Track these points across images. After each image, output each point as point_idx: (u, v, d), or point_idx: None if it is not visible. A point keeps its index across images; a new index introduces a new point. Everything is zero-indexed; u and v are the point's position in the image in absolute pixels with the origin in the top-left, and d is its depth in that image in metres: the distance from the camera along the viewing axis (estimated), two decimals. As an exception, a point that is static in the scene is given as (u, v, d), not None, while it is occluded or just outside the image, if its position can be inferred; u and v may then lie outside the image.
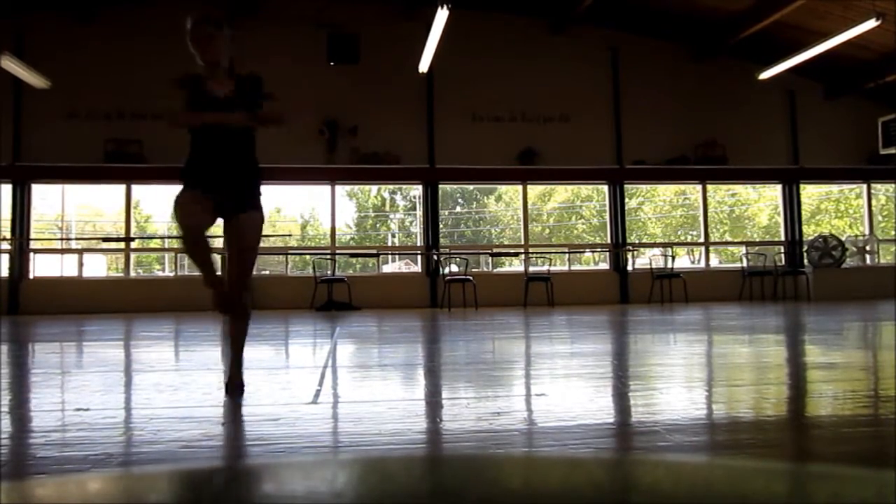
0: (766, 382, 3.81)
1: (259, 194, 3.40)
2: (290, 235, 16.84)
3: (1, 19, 11.64)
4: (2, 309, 11.12)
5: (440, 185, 13.31)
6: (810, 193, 19.85)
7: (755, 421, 2.86)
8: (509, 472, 0.45)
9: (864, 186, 14.62)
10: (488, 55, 12.89)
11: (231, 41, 3.45)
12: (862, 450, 2.25)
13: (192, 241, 3.21)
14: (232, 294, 3.38)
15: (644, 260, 13.76)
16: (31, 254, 12.33)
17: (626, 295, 12.94)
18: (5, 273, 11.95)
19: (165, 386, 3.80)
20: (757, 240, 18.59)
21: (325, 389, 3.61)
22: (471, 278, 11.86)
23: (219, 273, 3.44)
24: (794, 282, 13.30)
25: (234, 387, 3.38)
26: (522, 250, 13.57)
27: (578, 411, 3.01)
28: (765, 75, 12.83)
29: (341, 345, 6.23)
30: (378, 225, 24.94)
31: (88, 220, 21.26)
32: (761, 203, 21.41)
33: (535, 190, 17.74)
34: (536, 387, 3.94)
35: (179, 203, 3.16)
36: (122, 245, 13.03)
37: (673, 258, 13.38)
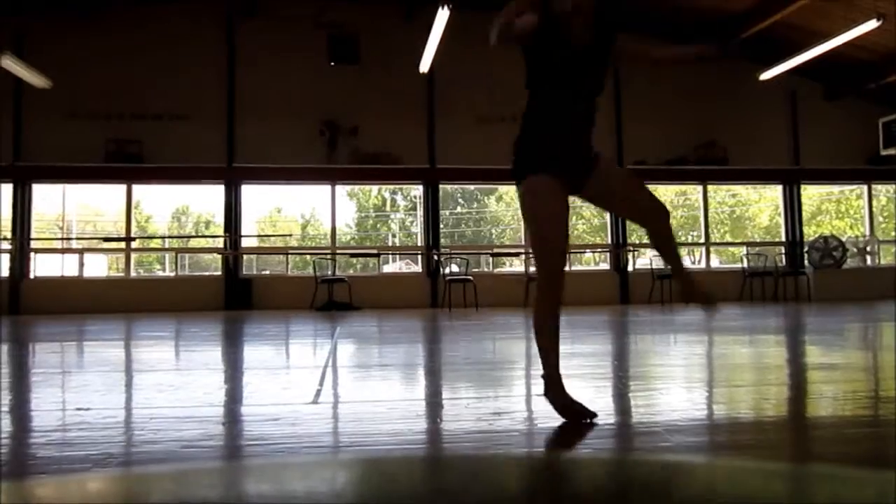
0: (767, 383, 3.81)
1: None
2: (290, 235, 16.86)
3: (1, 19, 11.64)
4: (2, 309, 11.12)
5: (441, 186, 13.31)
6: (811, 194, 19.85)
7: (755, 422, 2.86)
8: (509, 473, 0.45)
9: (865, 187, 14.62)
10: (489, 55, 12.81)
11: None
12: (862, 451, 2.25)
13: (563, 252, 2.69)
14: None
15: (644, 260, 13.75)
16: (32, 254, 12.33)
17: (627, 295, 12.94)
18: (6, 273, 11.95)
19: (166, 386, 3.80)
20: (757, 240, 18.59)
21: (326, 389, 3.61)
22: (471, 279, 11.86)
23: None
24: (794, 282, 13.30)
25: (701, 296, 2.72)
26: (523, 250, 13.57)
27: (579, 412, 3.00)
28: (765, 76, 12.83)
29: (342, 345, 6.23)
30: (378, 225, 24.95)
31: (89, 220, 21.27)
32: (762, 204, 21.41)
33: (535, 190, 17.71)
34: (537, 387, 3.94)
35: (547, 196, 2.59)
36: (122, 245, 13.04)
37: (673, 259, 13.36)
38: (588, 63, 2.68)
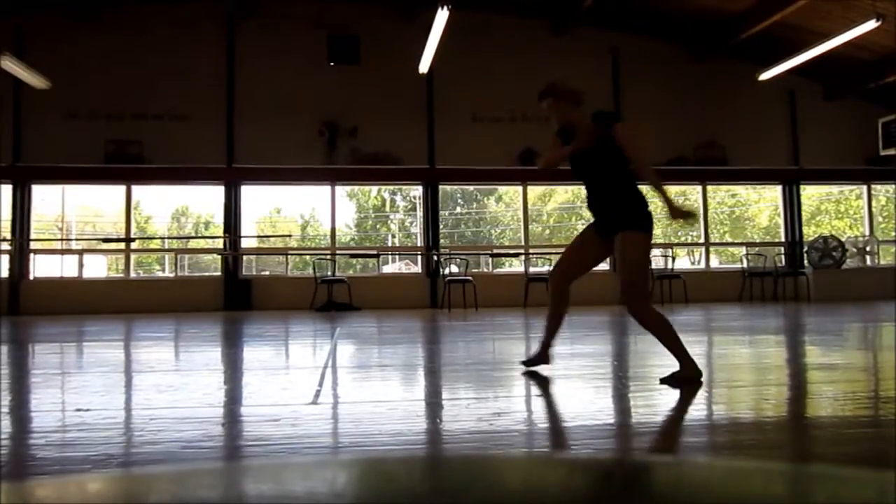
0: (767, 383, 3.81)
1: (637, 217, 3.72)
2: (290, 236, 16.84)
3: (1, 19, 11.64)
4: (2, 309, 11.12)
5: (440, 186, 13.31)
6: (810, 194, 19.86)
7: (755, 422, 2.86)
8: (509, 473, 0.45)
9: (865, 187, 14.62)
10: (488, 55, 12.89)
11: (555, 108, 3.88)
12: (862, 451, 2.25)
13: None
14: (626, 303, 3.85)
15: (644, 261, 13.74)
16: (32, 254, 12.33)
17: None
18: (5, 273, 11.95)
19: (165, 386, 3.80)
20: (757, 240, 18.59)
21: (326, 390, 3.61)
22: (471, 279, 11.86)
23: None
24: (794, 282, 13.30)
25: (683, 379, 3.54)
26: (523, 251, 13.57)
27: (579, 412, 3.01)
28: (765, 76, 12.83)
29: (341, 345, 6.23)
30: (378, 225, 24.95)
31: (88, 221, 21.26)
32: (761, 204, 21.41)
33: (535, 190, 17.72)
34: (536, 387, 3.94)
35: (581, 234, 4.15)
36: (122, 246, 13.03)
37: (673, 259, 13.38)
38: (587, 161, 3.81)
